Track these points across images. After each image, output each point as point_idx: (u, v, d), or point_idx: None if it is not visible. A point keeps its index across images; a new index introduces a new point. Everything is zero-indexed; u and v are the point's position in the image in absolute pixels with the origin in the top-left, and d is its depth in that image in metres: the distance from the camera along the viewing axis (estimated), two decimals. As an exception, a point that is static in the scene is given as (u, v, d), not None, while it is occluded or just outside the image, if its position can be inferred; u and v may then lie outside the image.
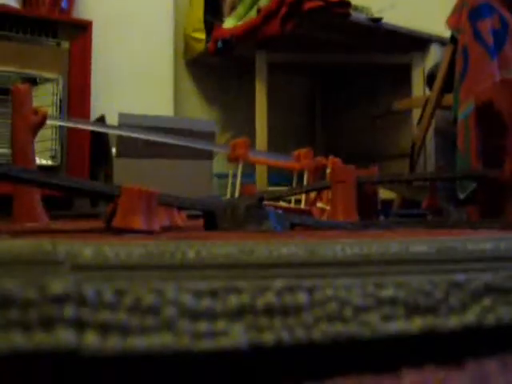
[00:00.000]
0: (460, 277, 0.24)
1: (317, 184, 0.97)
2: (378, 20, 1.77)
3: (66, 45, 1.58)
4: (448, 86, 1.51)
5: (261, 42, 1.81)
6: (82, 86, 1.58)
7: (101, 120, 1.57)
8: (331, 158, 1.12)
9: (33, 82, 1.50)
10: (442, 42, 1.82)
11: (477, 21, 1.40)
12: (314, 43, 1.91)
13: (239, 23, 1.87)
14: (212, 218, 0.62)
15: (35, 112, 0.87)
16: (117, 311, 0.18)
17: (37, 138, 0.93)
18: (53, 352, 0.17)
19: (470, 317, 0.23)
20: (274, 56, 1.89)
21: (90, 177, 1.56)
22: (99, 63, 1.70)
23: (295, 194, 0.99)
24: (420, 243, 0.34)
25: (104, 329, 0.18)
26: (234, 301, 0.20)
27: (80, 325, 0.17)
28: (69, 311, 0.17)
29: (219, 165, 1.76)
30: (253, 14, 1.84)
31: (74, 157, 1.55)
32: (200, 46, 2.08)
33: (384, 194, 1.21)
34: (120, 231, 0.56)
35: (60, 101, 1.54)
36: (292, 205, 1.07)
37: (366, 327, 0.21)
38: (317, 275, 0.22)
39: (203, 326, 0.19)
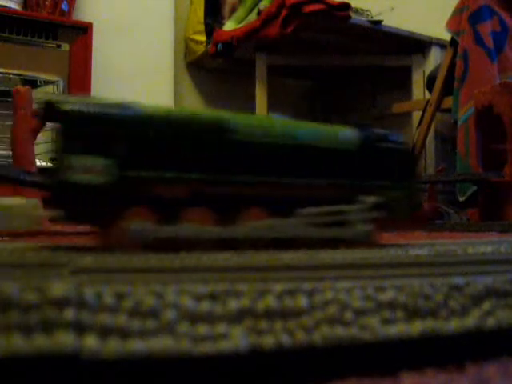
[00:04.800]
0: (460, 280, 0.24)
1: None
2: (378, 22, 1.77)
3: (66, 47, 1.58)
4: (448, 89, 1.51)
5: (261, 44, 1.81)
6: (83, 88, 1.58)
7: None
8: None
9: (33, 84, 1.50)
10: (442, 44, 1.82)
11: (477, 24, 1.40)
12: (314, 46, 1.91)
13: (239, 26, 1.87)
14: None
15: (36, 114, 0.87)
16: (117, 314, 0.18)
17: (37, 140, 0.93)
18: (53, 355, 0.17)
19: (471, 320, 0.23)
20: (274, 58, 1.89)
21: (90, 179, 1.56)
22: (99, 65, 1.70)
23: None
24: (420, 246, 0.34)
25: (104, 332, 0.18)
26: (233, 304, 0.20)
27: (80, 328, 0.17)
28: (69, 314, 0.17)
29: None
30: (253, 16, 1.85)
31: (74, 159, 1.55)
32: (200, 49, 2.08)
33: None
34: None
35: (60, 103, 1.54)
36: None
37: (366, 330, 0.21)
38: (317, 278, 0.22)
39: (203, 329, 0.19)
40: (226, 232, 0.32)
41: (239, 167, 0.34)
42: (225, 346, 0.19)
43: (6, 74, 1.49)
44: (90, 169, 0.30)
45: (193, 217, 0.32)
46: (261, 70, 1.86)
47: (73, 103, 0.31)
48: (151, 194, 0.31)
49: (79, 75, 1.58)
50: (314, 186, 0.36)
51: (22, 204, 0.33)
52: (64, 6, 1.70)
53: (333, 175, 0.37)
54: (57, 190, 0.30)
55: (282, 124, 0.36)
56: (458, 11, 1.47)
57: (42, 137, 1.15)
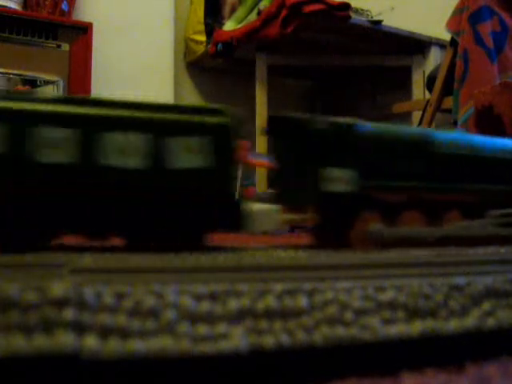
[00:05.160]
0: (460, 280, 0.24)
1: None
2: (378, 22, 1.77)
3: (66, 47, 1.58)
4: (448, 89, 1.51)
5: (261, 44, 1.81)
6: (83, 88, 1.58)
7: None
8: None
9: (33, 84, 1.50)
10: (442, 44, 1.82)
11: (477, 24, 1.40)
12: (314, 46, 1.91)
13: (239, 26, 1.87)
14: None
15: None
16: (117, 314, 0.18)
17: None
18: (53, 355, 0.17)
19: (471, 320, 0.23)
20: (274, 58, 1.89)
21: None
22: (99, 65, 1.70)
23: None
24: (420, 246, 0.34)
25: (104, 332, 0.18)
26: (234, 304, 0.20)
27: (80, 328, 0.17)
28: (69, 314, 0.17)
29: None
30: (253, 16, 1.85)
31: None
32: (200, 49, 2.08)
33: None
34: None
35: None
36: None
37: (366, 330, 0.21)
38: (317, 278, 0.22)
39: (203, 329, 0.19)
40: (439, 232, 0.38)
41: (441, 176, 0.40)
42: (225, 345, 0.19)
43: (6, 73, 1.49)
44: (341, 180, 0.36)
45: (408, 219, 0.38)
46: (261, 70, 1.86)
47: (320, 122, 0.37)
48: (378, 200, 0.37)
49: (79, 75, 1.58)
50: (496, 191, 0.42)
51: (268, 209, 0.39)
52: (64, 6, 1.70)
53: (507, 182, 0.43)
54: (317, 198, 0.36)
55: (468, 137, 0.43)
56: (458, 11, 1.46)
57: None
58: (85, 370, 0.17)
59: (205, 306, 0.19)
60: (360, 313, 0.21)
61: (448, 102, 1.51)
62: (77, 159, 0.32)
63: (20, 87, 1.09)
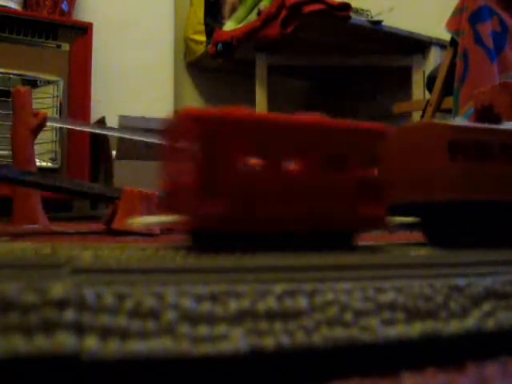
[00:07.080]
0: (460, 281, 0.24)
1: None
2: (378, 22, 1.77)
3: (66, 47, 1.58)
4: (448, 89, 1.51)
5: (261, 44, 1.81)
6: (83, 88, 1.58)
7: (101, 122, 1.58)
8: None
9: (33, 84, 1.50)
10: (442, 44, 1.82)
11: (477, 24, 1.40)
12: (314, 46, 1.91)
13: (239, 26, 1.87)
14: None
15: (35, 114, 0.87)
16: (117, 315, 0.18)
17: (37, 140, 0.93)
18: (53, 356, 0.17)
19: (471, 321, 0.23)
20: (274, 59, 1.89)
21: (91, 179, 1.56)
22: (99, 65, 1.70)
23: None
24: (420, 247, 0.34)
25: (104, 333, 0.18)
26: (234, 305, 0.20)
27: (80, 329, 0.17)
28: (69, 315, 0.17)
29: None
30: (253, 16, 1.85)
31: (74, 159, 1.55)
32: (200, 49, 2.08)
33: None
34: (120, 233, 0.56)
35: (60, 103, 1.54)
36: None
37: (366, 331, 0.21)
38: (317, 279, 0.22)
39: (203, 330, 0.19)
40: None
41: None
42: (225, 346, 0.19)
43: (6, 73, 1.49)
44: None
45: None
46: (261, 70, 1.86)
47: None
48: None
49: (79, 75, 1.58)
50: None
51: None
52: (64, 6, 1.70)
53: None
54: None
55: None
56: (458, 11, 1.47)
57: (41, 137, 1.14)
58: (85, 371, 0.17)
59: (205, 306, 0.19)
60: (360, 314, 0.21)
61: (448, 102, 1.51)
62: None
63: (20, 87, 1.09)
